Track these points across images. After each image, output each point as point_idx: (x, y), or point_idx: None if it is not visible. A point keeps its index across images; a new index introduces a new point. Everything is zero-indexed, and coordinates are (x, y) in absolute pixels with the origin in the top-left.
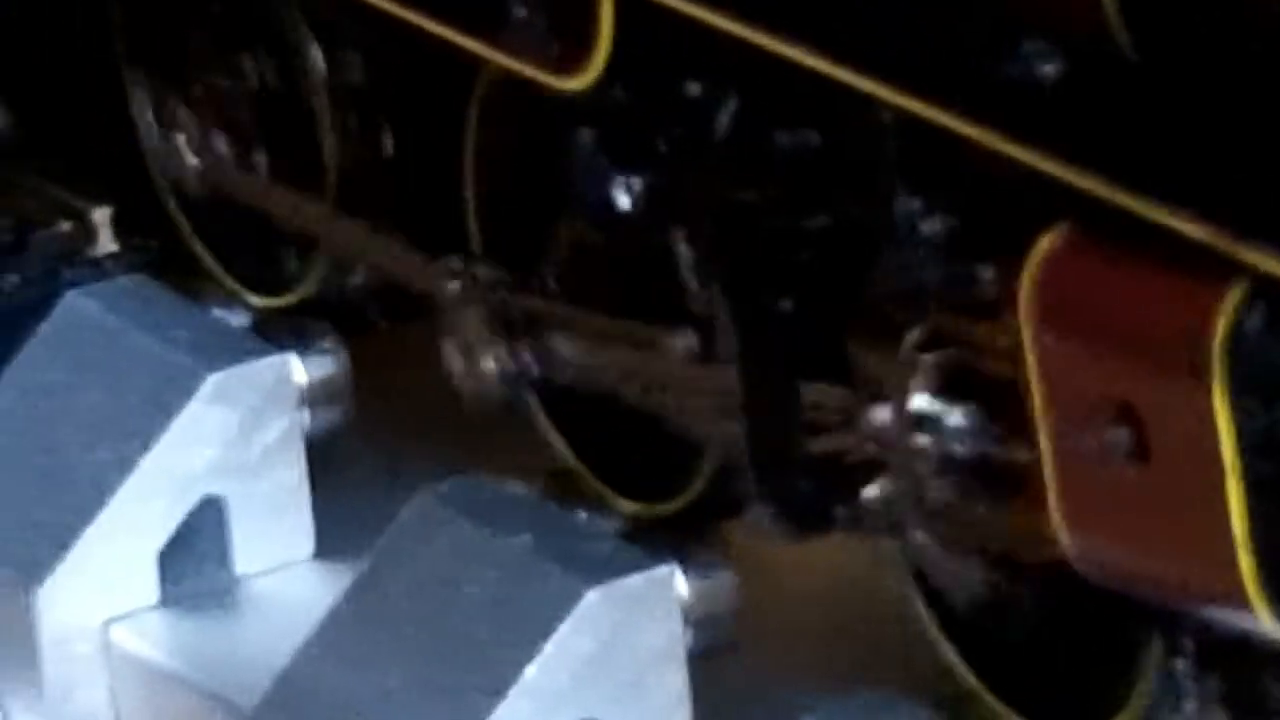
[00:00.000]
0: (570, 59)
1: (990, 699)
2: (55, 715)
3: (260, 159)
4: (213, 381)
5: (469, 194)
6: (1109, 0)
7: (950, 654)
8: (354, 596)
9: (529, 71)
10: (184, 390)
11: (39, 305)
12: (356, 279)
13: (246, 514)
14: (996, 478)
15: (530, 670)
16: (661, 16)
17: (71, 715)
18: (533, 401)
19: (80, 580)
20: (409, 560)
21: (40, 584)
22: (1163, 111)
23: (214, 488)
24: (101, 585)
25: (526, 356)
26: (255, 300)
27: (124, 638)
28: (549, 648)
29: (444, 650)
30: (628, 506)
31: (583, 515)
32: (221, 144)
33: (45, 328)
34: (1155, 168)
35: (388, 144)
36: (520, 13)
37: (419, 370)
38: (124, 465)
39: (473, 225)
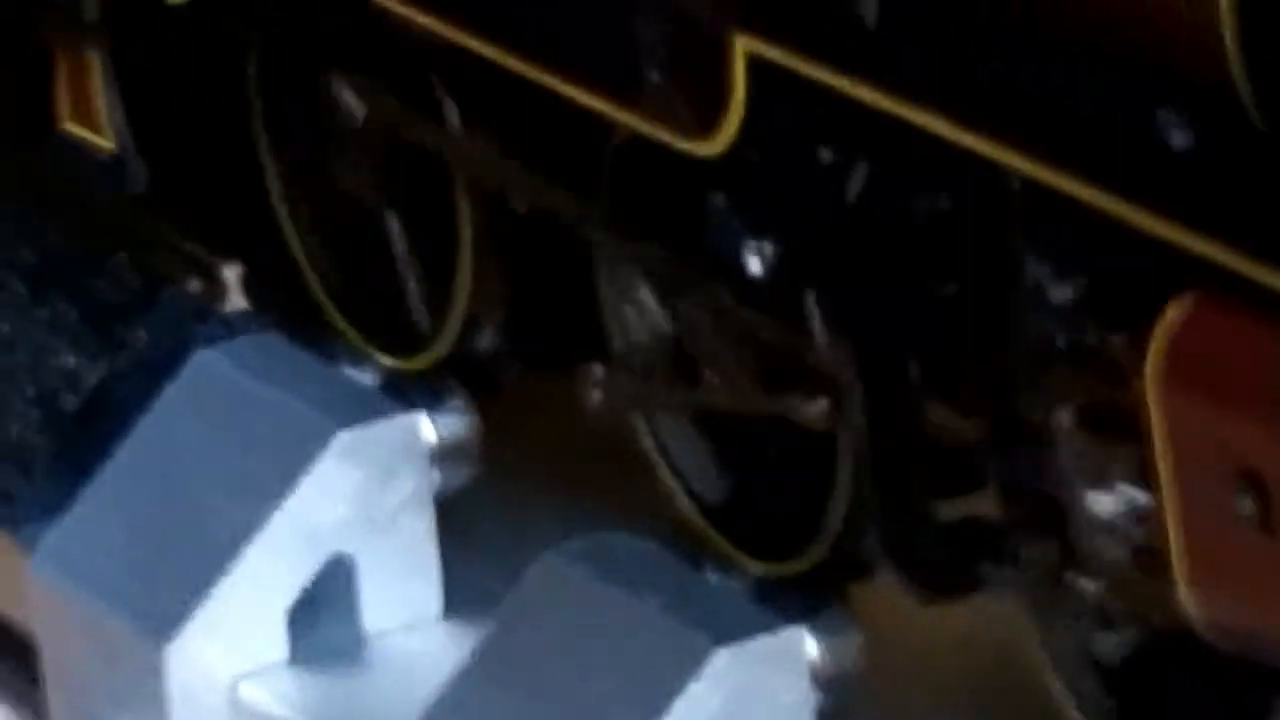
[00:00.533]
0: (704, 123)
1: None
2: None
3: (392, 220)
4: (343, 439)
5: (599, 252)
6: (1238, 71)
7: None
8: (482, 655)
9: (662, 136)
10: (314, 448)
11: (169, 362)
12: (487, 340)
13: (375, 572)
14: (1136, 543)
15: None
16: (794, 82)
17: None
18: (660, 459)
19: (210, 637)
20: (537, 619)
21: (170, 640)
22: None
23: (343, 545)
24: (231, 642)
25: (660, 420)
26: (386, 361)
27: (253, 694)
28: (678, 706)
29: (573, 710)
30: (756, 567)
31: (711, 574)
32: (353, 202)
33: (176, 384)
34: None
35: (520, 203)
36: (654, 77)
37: (547, 425)
38: (254, 522)
39: (603, 285)
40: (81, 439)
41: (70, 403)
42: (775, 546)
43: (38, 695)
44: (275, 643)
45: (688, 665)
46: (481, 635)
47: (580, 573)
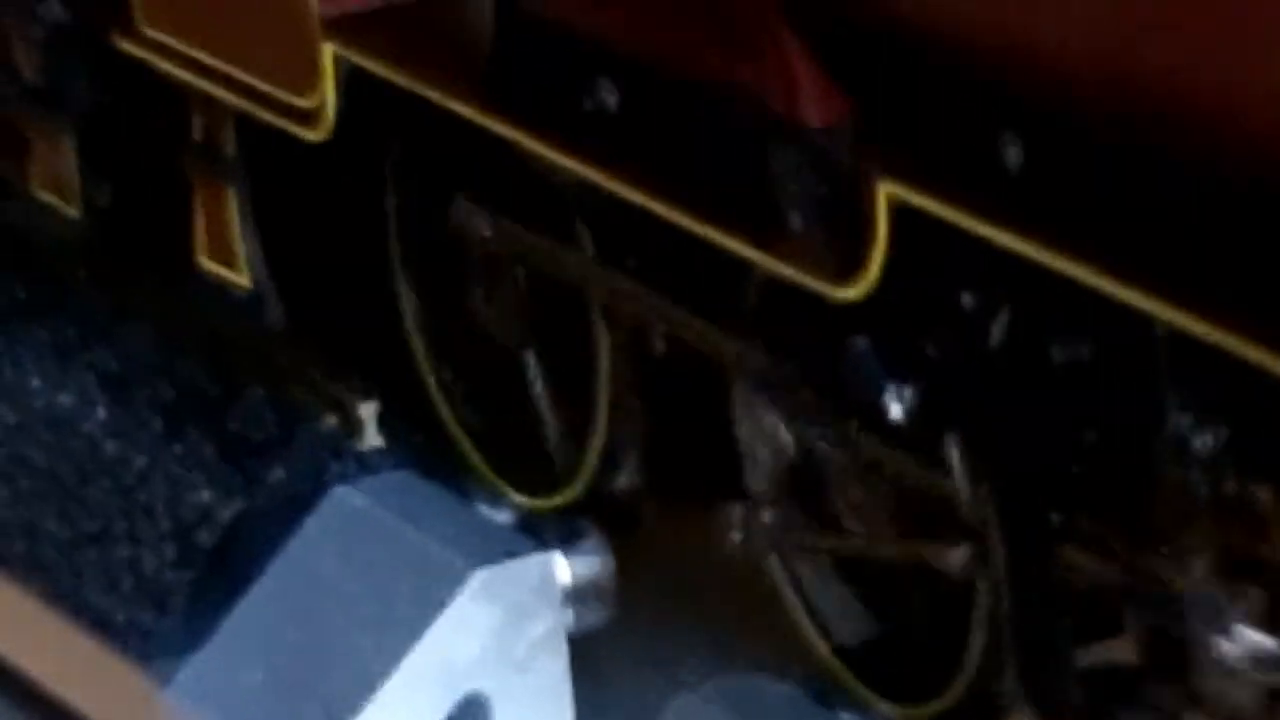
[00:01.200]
0: (846, 267)
1: None
2: None
3: (529, 356)
4: (479, 578)
5: (737, 391)
6: None
7: None
8: None
9: (804, 279)
10: (450, 586)
11: (305, 499)
12: (624, 478)
13: (509, 710)
14: (1263, 688)
15: None
16: (937, 226)
17: None
18: (797, 600)
19: None
20: None
21: None
22: None
23: (478, 684)
24: None
25: (798, 561)
26: (521, 499)
27: None
28: None
29: None
30: (892, 709)
31: (845, 715)
32: (490, 338)
33: (312, 521)
34: None
35: (658, 344)
36: (796, 220)
37: (684, 565)
38: (390, 659)
39: (741, 424)
40: (217, 575)
41: (206, 538)
42: (911, 688)
43: None
44: None
45: None
46: None
47: (717, 715)
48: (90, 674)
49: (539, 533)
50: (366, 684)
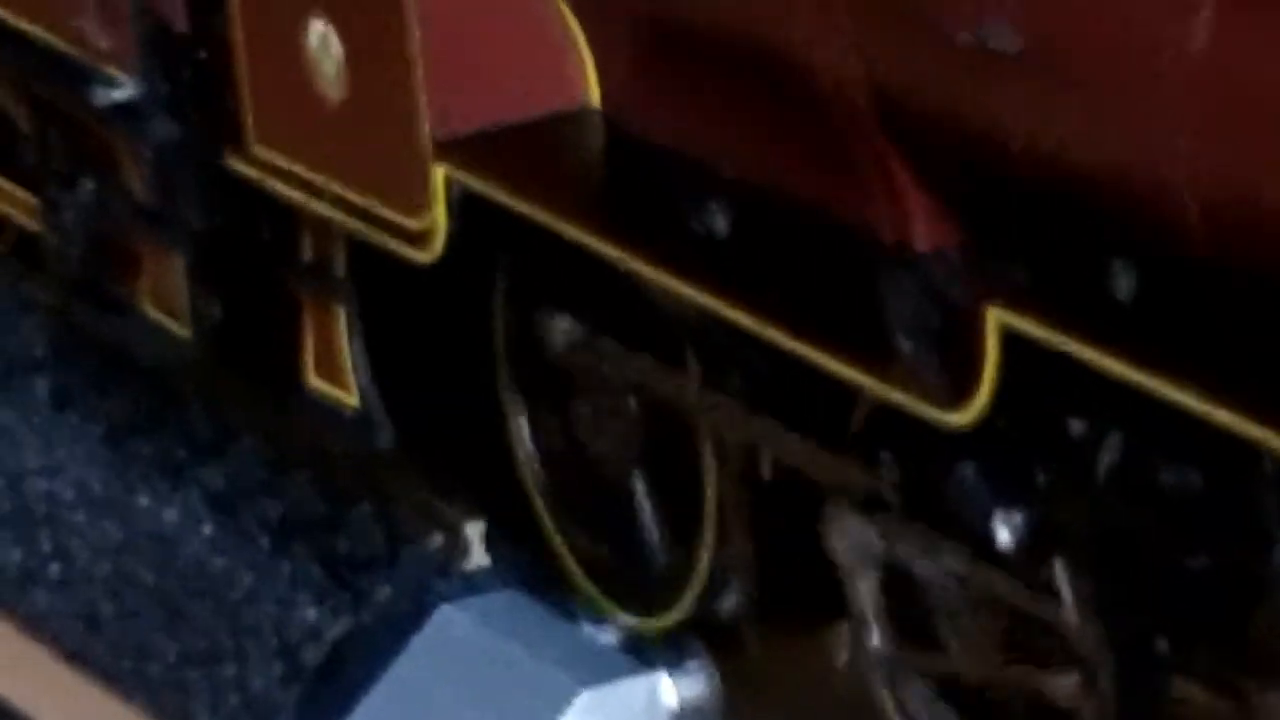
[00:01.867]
0: (955, 393)
1: None
2: None
3: (635, 478)
4: (585, 699)
5: (840, 517)
6: None
7: None
8: None
9: (913, 404)
10: (556, 706)
11: (412, 618)
12: (730, 600)
13: None
14: None
15: None
16: (1046, 354)
17: None
18: None
19: None
20: None
21: None
22: None
23: None
24: None
25: (905, 685)
26: (627, 620)
27: None
28: None
29: None
30: None
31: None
32: (597, 459)
33: (418, 640)
34: None
35: (765, 469)
36: (905, 346)
37: (790, 687)
38: None
39: (843, 548)
40: (323, 693)
41: (313, 657)
42: None
43: None
44: None
45: None
46: None
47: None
48: None
49: (645, 654)
50: None
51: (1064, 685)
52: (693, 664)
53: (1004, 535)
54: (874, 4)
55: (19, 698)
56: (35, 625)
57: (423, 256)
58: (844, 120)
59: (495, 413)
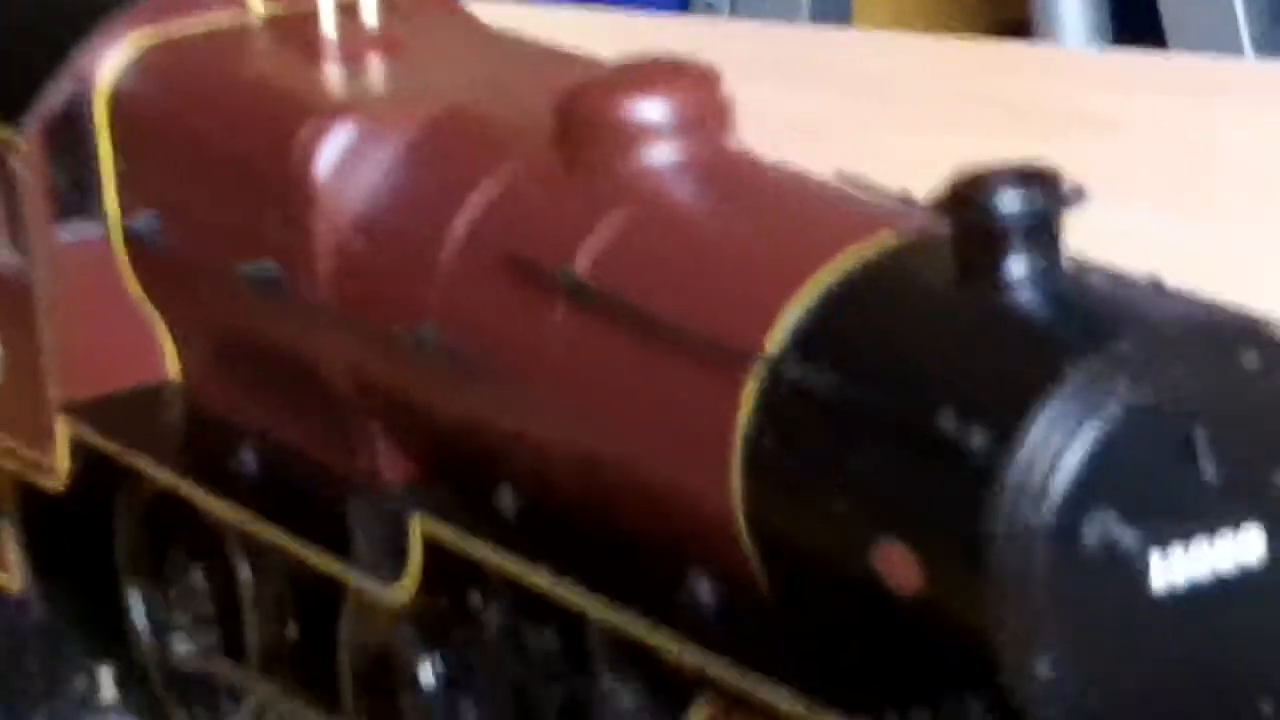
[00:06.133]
0: (393, 576)
1: None
2: None
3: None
4: None
5: None
6: None
7: None
8: None
9: (367, 586)
10: None
11: None
12: None
13: None
14: None
15: None
16: (452, 551)
17: None
18: None
19: None
20: None
21: None
22: None
23: None
24: None
25: None
26: None
27: None
28: None
29: None
30: None
31: None
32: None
33: None
34: None
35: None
36: (362, 544)
37: None
38: None
39: None
40: None
41: None
42: None
43: None
44: None
45: None
46: None
47: None
48: None
49: None
50: None
51: None
52: None
53: (425, 676)
54: (352, 320)
55: None
56: None
57: (50, 484)
58: (337, 398)
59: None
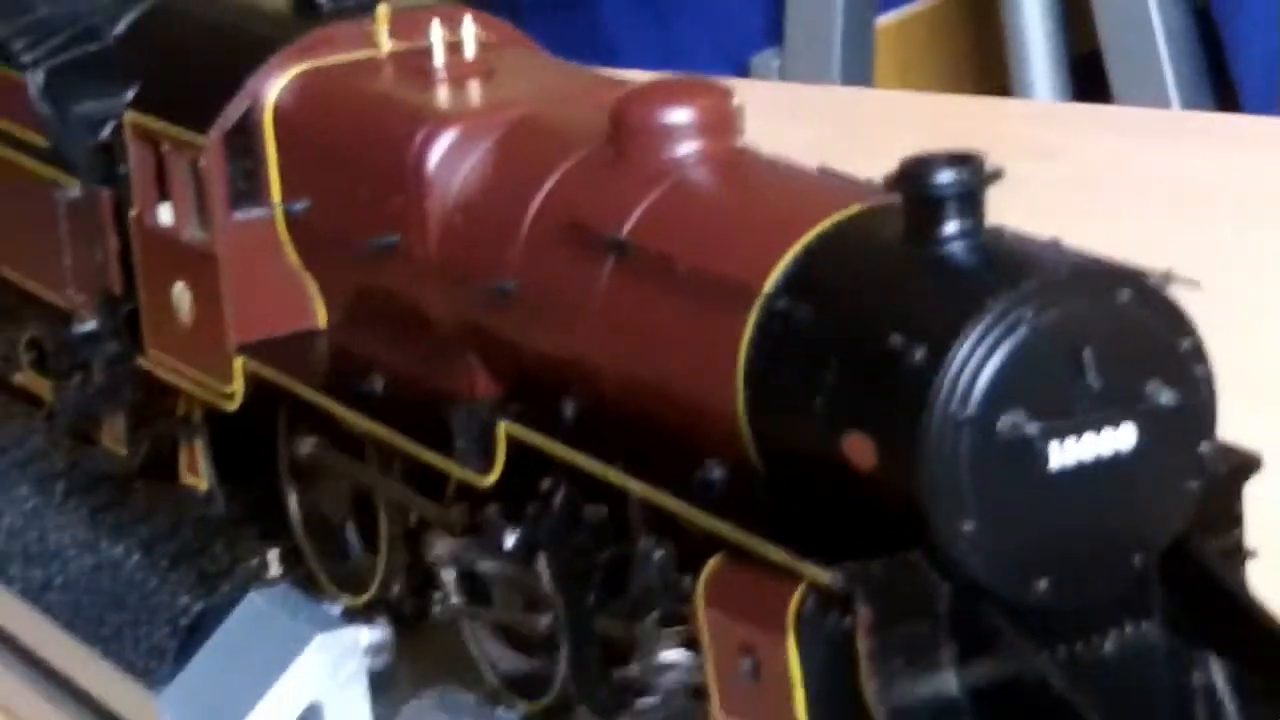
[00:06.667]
0: (485, 468)
1: None
2: None
3: (349, 527)
4: (319, 639)
5: None
6: None
7: None
8: None
9: (463, 475)
10: (304, 641)
11: (237, 601)
12: (393, 590)
13: None
14: None
15: None
16: (528, 446)
17: None
18: None
19: None
20: None
21: None
22: None
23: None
24: None
25: None
26: (345, 600)
27: None
28: None
29: None
30: None
31: None
32: (328, 519)
33: (238, 610)
34: None
35: (411, 518)
36: (460, 444)
37: (423, 632)
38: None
39: None
40: (190, 642)
41: (185, 621)
42: None
43: None
44: None
45: None
46: None
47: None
48: None
49: (353, 617)
50: None
51: (544, 620)
52: (379, 622)
53: (509, 542)
54: (452, 279)
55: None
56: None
57: (229, 406)
58: (441, 336)
59: (279, 491)
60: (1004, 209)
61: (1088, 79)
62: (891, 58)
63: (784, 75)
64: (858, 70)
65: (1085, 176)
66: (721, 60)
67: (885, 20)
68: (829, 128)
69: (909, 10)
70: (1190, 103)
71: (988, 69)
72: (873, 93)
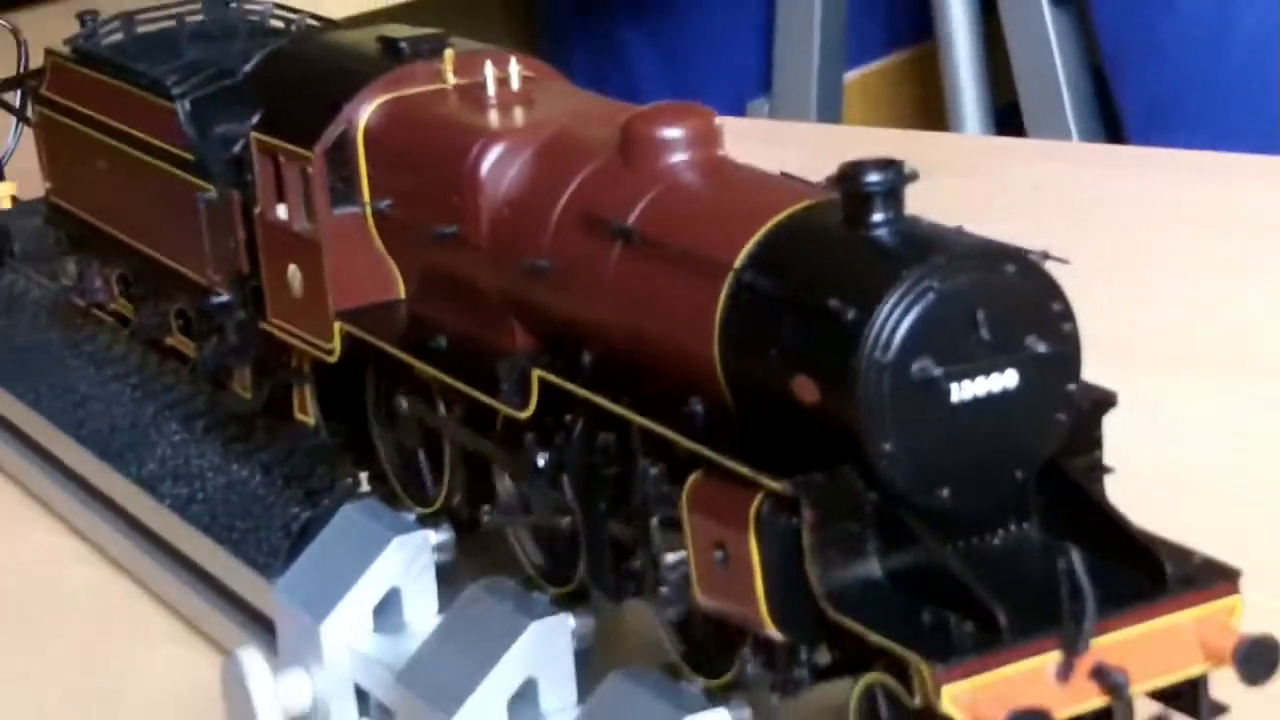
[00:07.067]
0: (523, 402)
1: None
2: None
3: (421, 457)
4: (398, 540)
5: None
6: None
7: None
8: None
9: (508, 410)
10: (386, 541)
11: (334, 511)
12: (456, 502)
13: None
14: None
15: None
16: (557, 388)
17: None
18: None
19: None
20: None
21: None
22: None
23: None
24: None
25: None
26: (417, 509)
27: None
28: None
29: None
30: None
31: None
32: (408, 450)
33: (334, 519)
34: None
35: (464, 450)
36: (504, 385)
37: (479, 538)
38: None
39: None
40: (299, 543)
41: (295, 527)
42: None
43: None
44: None
45: None
46: None
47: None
48: None
49: (426, 522)
50: None
51: (565, 524)
52: (443, 527)
53: (541, 462)
54: (498, 259)
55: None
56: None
57: (330, 359)
58: (490, 303)
59: (368, 426)
60: (930, 209)
61: (1008, 123)
62: (856, 104)
63: (772, 116)
64: (830, 113)
65: (994, 187)
66: (723, 104)
67: (851, 75)
68: (806, 153)
69: (870, 67)
70: (1086, 137)
71: (930, 114)
72: (840, 128)
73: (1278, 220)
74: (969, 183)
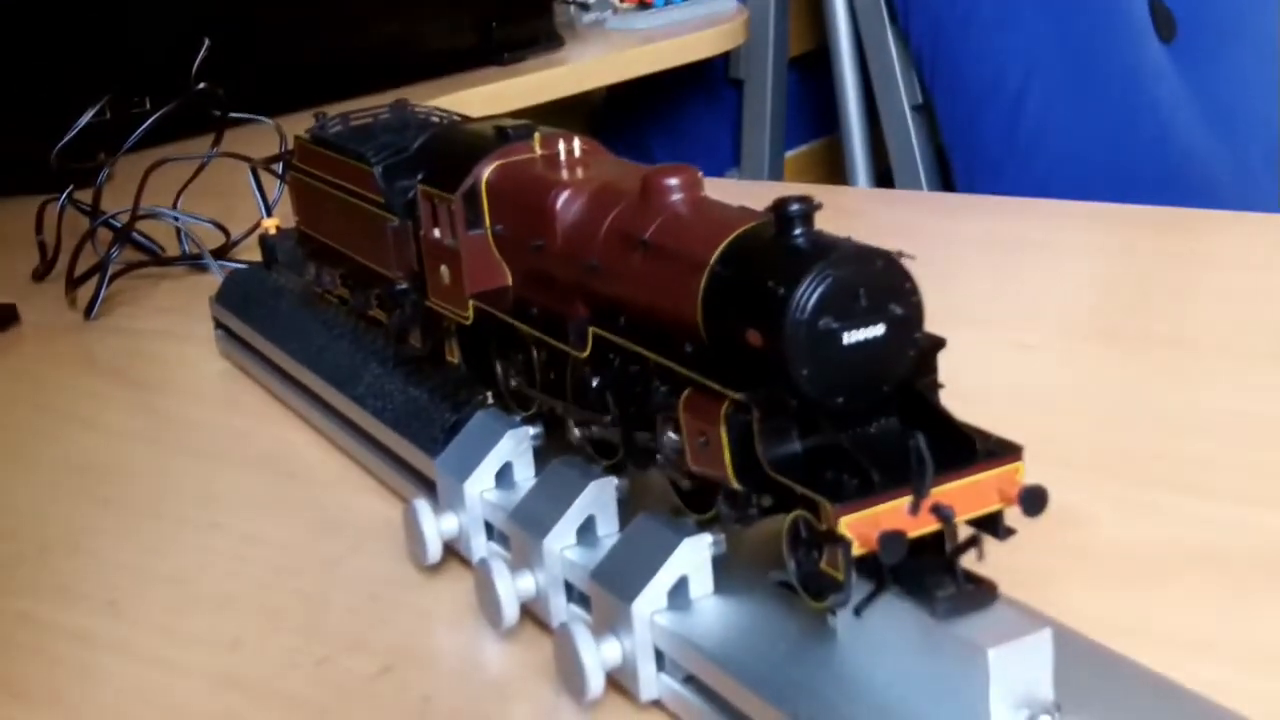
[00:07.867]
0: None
1: None
2: None
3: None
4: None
5: None
6: None
7: None
8: None
9: (575, 353)
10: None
11: (467, 419)
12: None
13: None
14: None
15: None
16: (611, 342)
17: None
18: None
19: None
20: None
21: None
22: None
23: None
24: None
25: None
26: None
27: None
28: None
29: None
30: None
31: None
32: (524, 391)
33: (470, 422)
34: None
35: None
36: (575, 345)
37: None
38: None
39: None
40: (449, 442)
41: (449, 425)
42: None
43: None
44: None
45: None
46: None
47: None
48: None
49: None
50: None
51: (608, 421)
52: (537, 424)
53: (594, 384)
54: (567, 261)
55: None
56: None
57: (467, 323)
58: (563, 288)
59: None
60: (831, 229)
61: (885, 182)
62: (791, 171)
63: (740, 179)
64: (776, 177)
65: (873, 221)
66: (709, 172)
67: (789, 154)
68: (760, 199)
69: (800, 149)
70: (932, 188)
71: (836, 177)
72: (781, 183)
73: (1035, 240)
74: (857, 220)
